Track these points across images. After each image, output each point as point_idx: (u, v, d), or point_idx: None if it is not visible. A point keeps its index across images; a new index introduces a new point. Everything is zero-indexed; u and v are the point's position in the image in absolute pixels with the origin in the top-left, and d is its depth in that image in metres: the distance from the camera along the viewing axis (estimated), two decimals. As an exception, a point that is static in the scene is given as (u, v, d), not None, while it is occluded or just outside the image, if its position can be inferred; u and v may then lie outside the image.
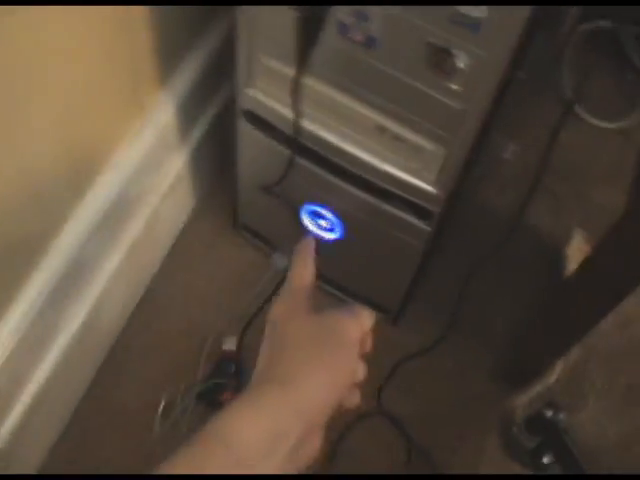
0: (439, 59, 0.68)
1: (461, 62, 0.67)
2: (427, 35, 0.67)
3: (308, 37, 0.73)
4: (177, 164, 1.08)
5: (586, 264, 0.85)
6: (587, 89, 1.34)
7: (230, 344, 1.07)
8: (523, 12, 0.61)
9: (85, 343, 1.01)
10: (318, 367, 0.48)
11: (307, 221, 1.02)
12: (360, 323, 0.52)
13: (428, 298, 1.11)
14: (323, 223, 1.00)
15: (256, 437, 0.44)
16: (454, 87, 0.70)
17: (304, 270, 0.56)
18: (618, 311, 0.82)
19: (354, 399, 0.53)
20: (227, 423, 0.44)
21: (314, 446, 0.48)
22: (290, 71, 0.77)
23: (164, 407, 1.04)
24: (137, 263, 1.08)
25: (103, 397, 1.07)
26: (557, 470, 1.01)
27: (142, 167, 0.98)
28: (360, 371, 0.52)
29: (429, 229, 0.88)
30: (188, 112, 1.04)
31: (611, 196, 1.17)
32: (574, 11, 1.20)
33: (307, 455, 0.47)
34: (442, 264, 1.12)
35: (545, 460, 1.01)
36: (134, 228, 1.04)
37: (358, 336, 0.52)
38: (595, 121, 1.30)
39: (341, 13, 0.70)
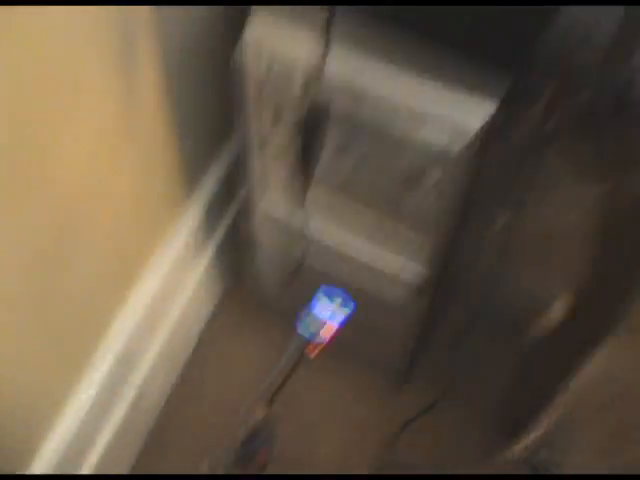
0: (415, 176, 0.85)
1: (435, 176, 0.84)
2: (404, 159, 0.84)
3: (311, 154, 0.90)
4: (204, 261, 1.24)
5: (566, 314, 0.98)
6: (569, 156, 1.48)
7: (260, 413, 1.21)
8: (475, 146, 0.78)
9: (133, 423, 1.15)
10: None
11: (324, 301, 1.17)
12: None
13: (431, 365, 1.26)
14: (337, 300, 1.15)
15: None
16: (428, 195, 0.86)
17: None
18: (603, 355, 0.94)
19: None
20: None
21: None
22: (298, 181, 0.94)
23: (207, 473, 1.17)
24: (173, 351, 1.24)
25: (148, 470, 1.21)
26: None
27: (175, 267, 1.14)
28: None
29: (423, 304, 1.04)
30: (212, 216, 1.21)
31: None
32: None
33: None
34: (442, 334, 1.27)
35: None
36: (169, 321, 1.19)
37: None
38: (577, 188, 1.44)
39: (337, 136, 0.88)
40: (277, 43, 0.85)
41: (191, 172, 1.14)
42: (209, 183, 1.18)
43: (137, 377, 1.15)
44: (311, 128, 0.85)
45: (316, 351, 1.07)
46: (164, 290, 1.14)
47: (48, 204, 0.82)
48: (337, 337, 1.11)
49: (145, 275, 1.10)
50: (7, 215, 0.75)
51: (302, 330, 1.27)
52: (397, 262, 0.99)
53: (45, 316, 0.89)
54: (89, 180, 0.88)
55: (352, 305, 1.14)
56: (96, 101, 0.84)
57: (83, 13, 0.75)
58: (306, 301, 1.18)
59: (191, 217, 1.16)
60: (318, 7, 0.74)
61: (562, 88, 1.09)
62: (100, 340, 1.04)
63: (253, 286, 1.27)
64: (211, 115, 1.12)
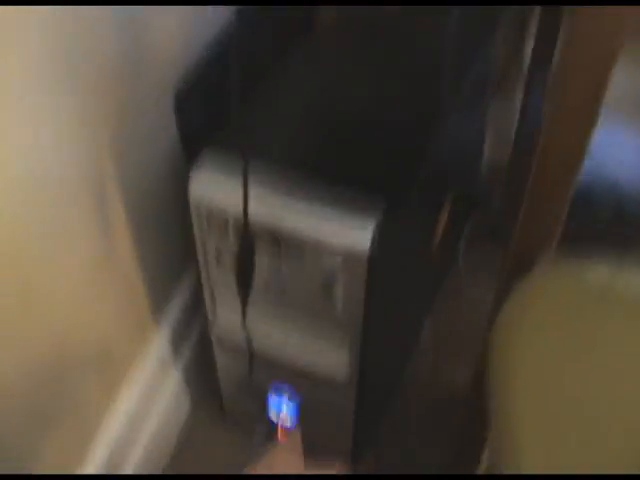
0: (327, 290, 1.08)
1: (339, 291, 1.07)
2: (316, 278, 1.07)
3: (245, 287, 1.12)
4: (174, 379, 1.44)
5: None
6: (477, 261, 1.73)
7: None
8: (363, 271, 1.02)
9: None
10: None
11: (274, 410, 1.37)
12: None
13: (376, 441, 1.44)
14: (284, 407, 1.36)
15: None
16: (339, 306, 1.09)
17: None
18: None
19: None
20: None
21: None
22: (238, 308, 1.16)
23: None
24: (154, 456, 1.41)
25: None
26: None
27: (150, 383, 1.34)
28: None
29: (352, 395, 1.24)
30: (178, 338, 1.41)
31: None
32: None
33: None
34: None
35: None
36: (148, 430, 1.37)
37: None
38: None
39: (263, 271, 1.11)
40: (213, 197, 1.08)
41: (159, 297, 1.34)
42: (175, 308, 1.39)
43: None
44: (244, 259, 1.07)
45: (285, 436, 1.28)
46: (139, 407, 1.32)
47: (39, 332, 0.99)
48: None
49: (120, 397, 1.28)
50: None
51: (259, 428, 1.47)
52: (325, 363, 1.20)
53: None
54: (69, 310, 1.05)
55: (298, 397, 1.35)
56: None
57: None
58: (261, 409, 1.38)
59: (158, 343, 1.36)
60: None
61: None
62: (85, 448, 1.18)
63: (217, 398, 1.47)
64: (174, 247, 1.29)
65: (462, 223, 1.71)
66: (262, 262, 1.06)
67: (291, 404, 1.34)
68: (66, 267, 1.02)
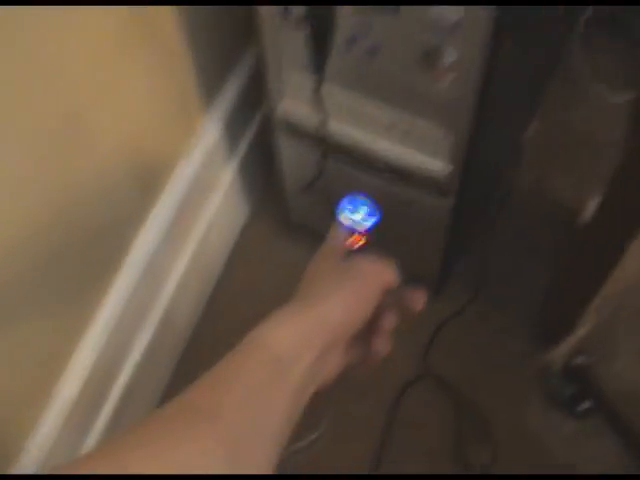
0: (431, 57, 0.81)
1: (450, 57, 0.80)
2: (419, 39, 0.80)
3: (322, 51, 0.86)
4: (228, 176, 1.22)
5: (598, 211, 0.94)
6: (598, 65, 1.42)
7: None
8: (492, 12, 0.73)
9: (162, 342, 1.14)
10: (339, 291, 0.56)
11: (348, 211, 1.14)
12: (381, 272, 0.60)
13: (465, 270, 1.22)
14: (362, 210, 1.13)
15: (287, 339, 0.51)
16: (447, 80, 0.82)
17: (337, 234, 0.67)
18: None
19: (384, 347, 0.60)
20: (262, 329, 0.52)
21: (334, 363, 0.57)
22: (311, 82, 0.90)
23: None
24: (202, 268, 1.22)
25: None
26: (596, 416, 1.10)
27: (197, 182, 1.12)
28: (386, 318, 0.60)
29: (450, 204, 1.00)
30: (233, 129, 1.18)
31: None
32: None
33: (328, 371, 0.56)
34: (476, 238, 1.23)
35: (584, 406, 1.10)
36: (196, 236, 1.17)
37: (379, 280, 0.59)
38: (606, 95, 1.40)
39: (347, 27, 0.83)
40: None
41: (210, 82, 1.11)
42: (230, 92, 1.16)
43: (165, 293, 1.13)
44: (319, 21, 0.82)
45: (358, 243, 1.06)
46: (188, 203, 1.12)
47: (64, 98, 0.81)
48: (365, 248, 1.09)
49: (168, 188, 1.08)
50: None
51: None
52: (420, 160, 0.95)
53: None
54: (102, 76, 0.87)
55: (378, 214, 1.12)
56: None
57: None
58: (331, 215, 1.15)
59: (212, 130, 1.14)
60: None
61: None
62: (122, 259, 1.03)
63: (280, 202, 1.25)
64: (229, 23, 1.09)
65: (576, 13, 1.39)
66: (345, 17, 0.81)
67: (370, 210, 1.10)
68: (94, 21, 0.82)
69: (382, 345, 0.61)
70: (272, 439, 0.47)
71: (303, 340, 0.51)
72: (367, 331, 0.60)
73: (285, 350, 0.50)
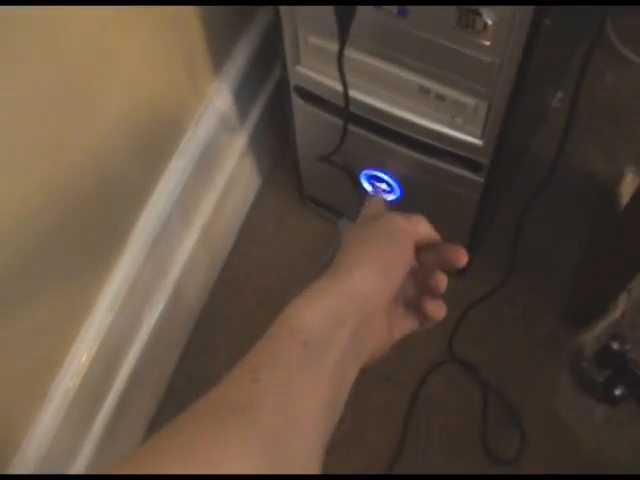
0: (469, 19, 0.73)
1: (489, 19, 0.72)
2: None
3: (346, 12, 0.78)
4: (239, 145, 1.14)
5: (638, 190, 0.87)
6: (631, 30, 1.34)
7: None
8: None
9: (171, 320, 1.09)
10: (369, 258, 0.51)
11: (367, 186, 1.07)
12: (413, 224, 0.55)
13: (493, 250, 1.15)
14: (382, 186, 1.05)
15: (315, 321, 0.47)
16: (485, 43, 0.73)
17: (376, 203, 0.61)
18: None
19: (437, 310, 0.55)
20: (291, 311, 0.48)
21: (377, 334, 0.52)
22: (333, 45, 0.82)
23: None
24: (212, 241, 1.16)
25: (193, 371, 1.15)
26: (629, 401, 1.04)
27: (207, 150, 1.05)
28: (434, 279, 0.54)
29: (481, 180, 0.92)
30: (244, 95, 1.11)
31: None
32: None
33: (372, 345, 0.51)
34: (503, 216, 1.16)
35: (617, 392, 1.04)
36: (206, 208, 1.11)
37: (411, 234, 0.55)
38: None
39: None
40: None
41: (219, 45, 1.03)
42: (240, 57, 1.07)
43: (174, 269, 1.07)
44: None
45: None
46: (197, 174, 1.04)
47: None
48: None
49: (176, 157, 1.02)
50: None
51: (343, 225, 1.19)
52: (449, 133, 0.88)
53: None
54: (105, 40, 0.79)
55: (398, 191, 1.04)
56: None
57: None
58: (350, 188, 1.08)
59: (222, 96, 1.06)
60: None
61: None
62: (128, 236, 0.97)
63: (295, 172, 1.17)
64: None
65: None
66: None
67: (391, 184, 1.03)
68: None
69: (434, 308, 0.56)
70: (312, 430, 0.44)
71: (333, 319, 0.48)
72: (418, 295, 0.56)
73: (316, 333, 0.47)
